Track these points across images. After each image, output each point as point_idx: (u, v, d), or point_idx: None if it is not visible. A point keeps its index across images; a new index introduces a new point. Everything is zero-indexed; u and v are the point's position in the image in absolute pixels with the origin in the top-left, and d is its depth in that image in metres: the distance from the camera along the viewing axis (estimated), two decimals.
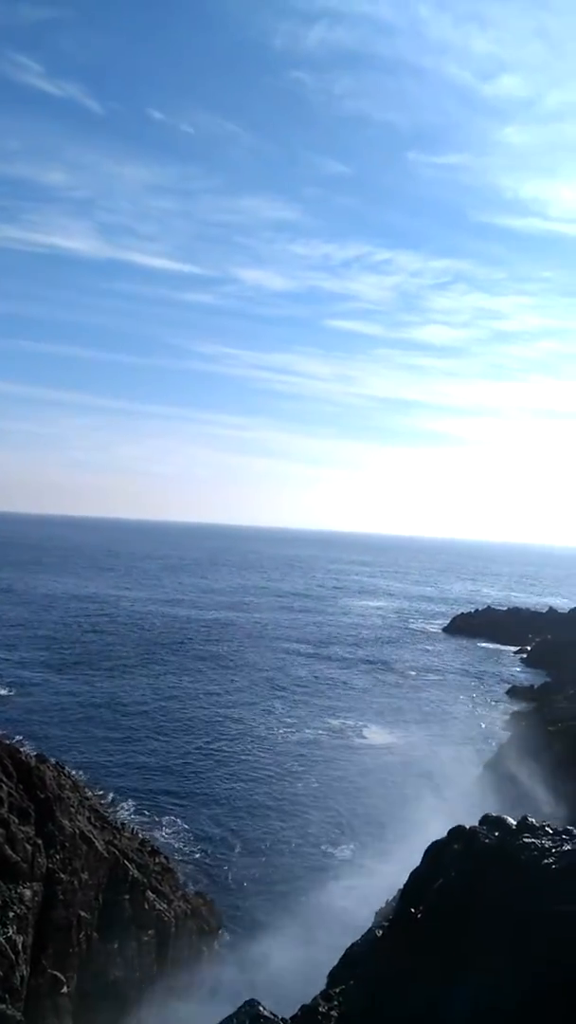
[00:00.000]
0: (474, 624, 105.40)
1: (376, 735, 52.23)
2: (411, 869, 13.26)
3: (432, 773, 41.75)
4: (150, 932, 21.32)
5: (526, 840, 11.58)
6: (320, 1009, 12.38)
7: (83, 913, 19.49)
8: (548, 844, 11.39)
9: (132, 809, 36.26)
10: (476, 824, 12.60)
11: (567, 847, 11.18)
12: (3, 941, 16.48)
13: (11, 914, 17.02)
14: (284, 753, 46.80)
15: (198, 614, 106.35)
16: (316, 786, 41.42)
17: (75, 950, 19.01)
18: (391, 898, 17.24)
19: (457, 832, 12.74)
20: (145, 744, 46.87)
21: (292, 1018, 12.54)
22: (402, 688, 68.28)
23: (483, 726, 55.77)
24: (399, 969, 11.51)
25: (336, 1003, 12.48)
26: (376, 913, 17.61)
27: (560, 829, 11.88)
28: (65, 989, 18.31)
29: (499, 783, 32.90)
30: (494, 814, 12.75)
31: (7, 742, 22.41)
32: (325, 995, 13.01)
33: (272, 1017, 12.27)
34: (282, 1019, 12.50)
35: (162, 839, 32.39)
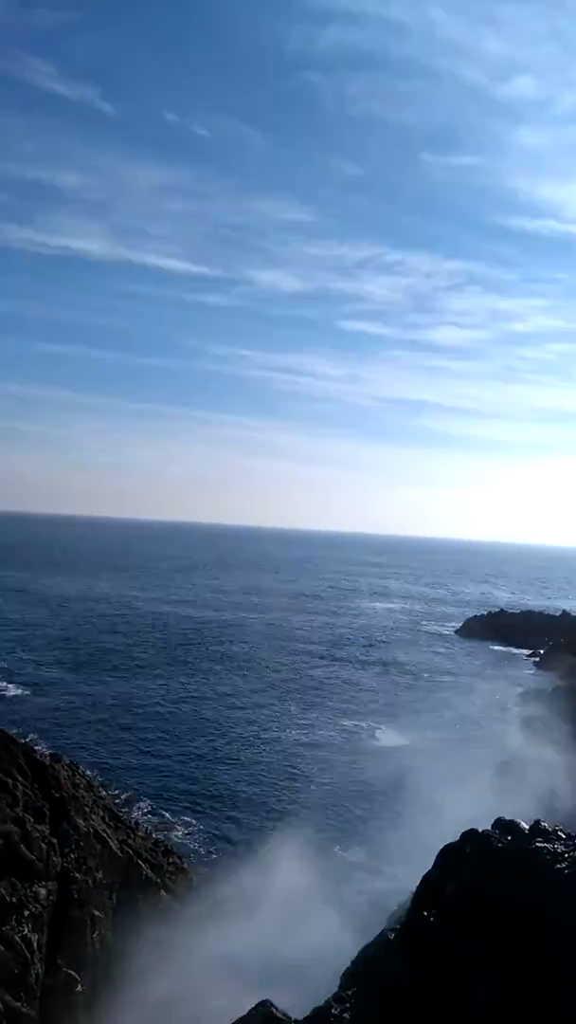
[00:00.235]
0: (487, 627, 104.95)
1: (389, 737, 52.18)
2: (423, 872, 13.29)
3: (445, 776, 41.65)
4: (163, 932, 21.44)
5: (539, 845, 11.60)
6: (332, 1011, 12.43)
7: (97, 912, 19.64)
8: (561, 849, 11.41)
9: (146, 809, 36.47)
10: (489, 828, 12.62)
11: None
12: (18, 940, 16.66)
13: (26, 913, 17.19)
14: (297, 755, 46.87)
15: (210, 615, 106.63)
16: (329, 788, 41.45)
17: (89, 949, 19.17)
18: (403, 901, 17.26)
19: (470, 836, 12.76)
20: (159, 744, 47.09)
21: (305, 1019, 12.60)
22: (415, 690, 68.17)
23: (496, 729, 55.54)
24: (411, 972, 11.55)
25: (348, 1005, 12.54)
26: (388, 916, 17.63)
27: (573, 834, 11.88)
28: (79, 988, 18.46)
29: (513, 786, 32.78)
30: (507, 818, 12.77)
31: (22, 741, 22.64)
32: (338, 997, 13.06)
33: (285, 1018, 12.36)
34: (294, 1020, 12.58)
35: (176, 839, 32.55)
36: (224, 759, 45.24)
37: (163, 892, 22.06)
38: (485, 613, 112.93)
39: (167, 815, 36.10)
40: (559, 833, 11.90)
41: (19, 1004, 16.08)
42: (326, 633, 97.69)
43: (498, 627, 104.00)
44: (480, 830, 12.67)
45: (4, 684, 59.13)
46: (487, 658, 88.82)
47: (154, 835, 26.28)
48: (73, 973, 18.46)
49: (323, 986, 14.88)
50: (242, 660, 76.14)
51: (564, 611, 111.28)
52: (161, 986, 20.48)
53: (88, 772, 26.27)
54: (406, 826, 33.88)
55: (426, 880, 13.11)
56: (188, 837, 34.04)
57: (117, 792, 36.58)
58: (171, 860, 24.45)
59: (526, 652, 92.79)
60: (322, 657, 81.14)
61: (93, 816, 21.20)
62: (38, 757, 21.05)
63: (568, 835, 11.84)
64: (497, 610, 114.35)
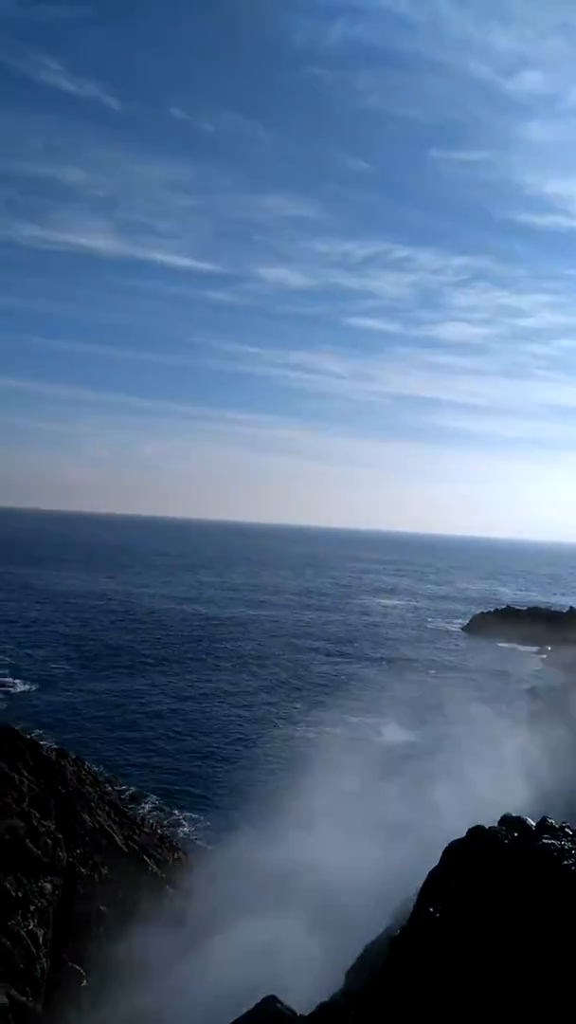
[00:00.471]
0: (494, 623, 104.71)
1: (396, 734, 52.08)
2: (429, 869, 13.21)
3: (452, 773, 41.56)
4: (168, 927, 21.45)
5: (545, 841, 11.50)
6: (337, 1007, 12.39)
7: (103, 907, 19.67)
8: (568, 846, 11.31)
9: (151, 805, 36.49)
10: (495, 824, 12.53)
11: None
12: (24, 934, 16.69)
13: (32, 907, 17.23)
14: (303, 752, 46.80)
15: (216, 611, 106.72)
16: (336, 785, 41.38)
17: (95, 944, 19.19)
18: (408, 897, 17.20)
19: (476, 832, 12.67)
20: (164, 741, 47.13)
21: (310, 1015, 12.56)
22: (422, 687, 68.01)
23: (504, 726, 55.37)
24: (416, 969, 11.49)
25: (353, 1001, 12.49)
26: (393, 912, 17.57)
27: None
28: (85, 983, 18.49)
29: (520, 783, 32.68)
30: (514, 815, 12.67)
31: (28, 737, 22.66)
32: (342, 993, 13.02)
33: (291, 1014, 12.32)
34: (300, 1016, 12.54)
35: (181, 835, 32.57)
36: (230, 756, 45.25)
37: (168, 887, 22.07)
38: (492, 610, 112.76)
39: (173, 811, 36.13)
40: (566, 830, 11.80)
41: (25, 998, 16.11)
42: (332, 630, 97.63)
43: (505, 624, 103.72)
44: (487, 827, 12.58)
45: (11, 680, 59.31)
46: (494, 654, 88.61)
47: (159, 831, 26.31)
48: (78, 968, 18.50)
49: (327, 982, 14.85)
50: (248, 657, 76.15)
51: (571, 607, 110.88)
52: (166, 981, 20.50)
53: (94, 768, 26.32)
54: (412, 823, 33.82)
55: (432, 876, 13.03)
56: (193, 833, 34.06)
57: (123, 788, 36.65)
58: (176, 856, 24.48)
59: (533, 648, 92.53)
60: (328, 654, 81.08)
61: (99, 811, 21.22)
62: (44, 753, 21.09)
63: (575, 832, 11.74)
64: (504, 606, 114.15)
